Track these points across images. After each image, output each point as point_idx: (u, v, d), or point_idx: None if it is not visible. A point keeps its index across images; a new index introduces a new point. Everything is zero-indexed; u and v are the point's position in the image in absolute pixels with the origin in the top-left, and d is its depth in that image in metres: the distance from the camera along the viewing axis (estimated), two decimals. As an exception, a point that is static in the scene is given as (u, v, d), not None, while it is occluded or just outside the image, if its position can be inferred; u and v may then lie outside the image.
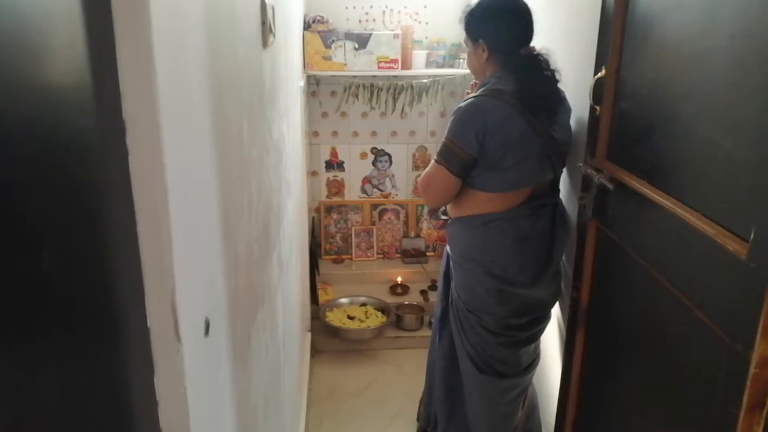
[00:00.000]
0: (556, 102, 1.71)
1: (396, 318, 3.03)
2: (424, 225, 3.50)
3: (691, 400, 1.09)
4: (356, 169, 3.42)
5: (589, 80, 1.52)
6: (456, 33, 2.74)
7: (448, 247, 1.92)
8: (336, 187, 3.45)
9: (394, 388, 2.70)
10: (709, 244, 0.99)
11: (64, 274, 0.45)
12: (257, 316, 1.17)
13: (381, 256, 3.49)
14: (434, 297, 3.13)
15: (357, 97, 3.06)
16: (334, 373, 2.81)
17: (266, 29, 1.30)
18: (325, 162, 3.40)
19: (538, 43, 1.74)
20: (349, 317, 3.02)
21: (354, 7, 3.10)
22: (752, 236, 0.88)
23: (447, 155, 1.68)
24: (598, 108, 1.45)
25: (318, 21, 2.92)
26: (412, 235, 3.51)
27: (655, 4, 1.24)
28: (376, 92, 3.04)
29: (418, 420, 2.30)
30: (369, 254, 3.48)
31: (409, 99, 3.08)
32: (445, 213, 1.91)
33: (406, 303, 3.13)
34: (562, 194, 1.84)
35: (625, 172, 1.33)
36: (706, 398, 1.02)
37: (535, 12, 1.70)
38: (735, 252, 0.93)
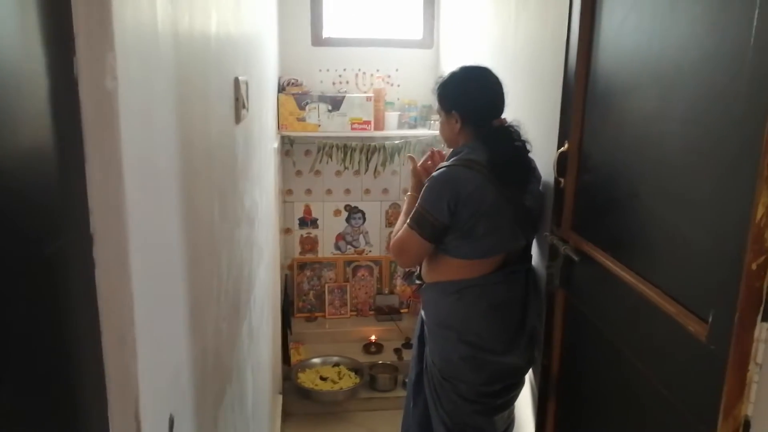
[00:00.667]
0: (527, 171, 1.76)
1: (370, 378, 2.99)
2: (398, 282, 3.50)
3: (661, 477, 1.09)
4: (330, 226, 3.43)
5: (553, 150, 1.57)
6: (427, 94, 2.81)
7: (422, 312, 1.92)
8: (309, 244, 3.45)
9: (368, 452, 2.63)
10: (670, 322, 1.02)
11: (23, 387, 0.45)
12: (225, 395, 1.15)
13: (355, 313, 3.46)
14: (408, 355, 3.10)
15: (331, 157, 3.10)
16: (306, 438, 2.73)
17: (239, 105, 1.33)
18: (299, 219, 3.40)
19: (506, 112, 1.80)
20: (322, 378, 2.97)
21: (327, 70, 3.18)
22: (711, 319, 0.91)
23: (419, 221, 1.70)
24: (562, 180, 1.50)
25: (292, 84, 2.98)
26: (386, 292, 3.50)
27: (614, 84, 1.30)
28: (349, 153, 3.09)
29: (391, 488, 2.24)
30: (342, 311, 3.45)
31: (381, 159, 3.13)
32: (419, 278, 1.92)
33: (380, 362, 3.10)
34: (534, 261, 1.87)
35: (590, 243, 1.37)
36: (674, 477, 1.02)
37: (503, 83, 1.77)
38: (695, 333, 0.95)
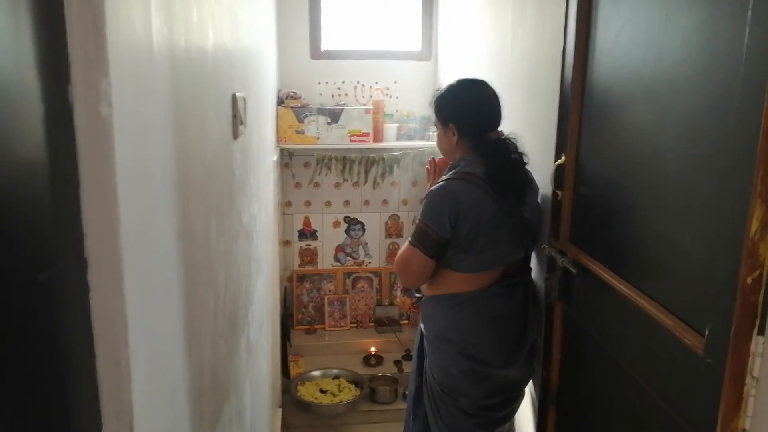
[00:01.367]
0: (525, 183, 1.76)
1: (370, 391, 2.98)
2: (398, 293, 3.49)
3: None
4: (329, 238, 3.43)
5: (550, 162, 1.58)
6: (425, 106, 2.83)
7: (422, 325, 1.92)
8: (309, 256, 3.45)
9: (369, 465, 2.62)
10: (668, 336, 1.02)
11: (18, 413, 0.45)
12: (223, 412, 1.15)
13: (354, 325, 3.46)
14: (408, 367, 3.09)
15: (330, 169, 3.11)
16: (306, 451, 2.72)
17: (237, 121, 1.34)
18: (298, 231, 3.40)
19: (503, 125, 1.81)
20: (322, 391, 2.96)
21: (326, 83, 3.20)
22: (707, 332, 0.91)
23: (421, 237, 1.70)
24: (559, 193, 1.51)
25: (291, 96, 2.99)
26: (386, 303, 3.49)
27: (611, 98, 1.31)
28: (348, 164, 3.10)
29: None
30: (342, 323, 3.44)
31: (381, 170, 3.14)
32: (418, 291, 1.92)
33: (380, 375, 3.09)
34: (533, 273, 1.87)
35: (588, 256, 1.37)
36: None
37: (499, 95, 1.78)
38: (692, 346, 0.95)
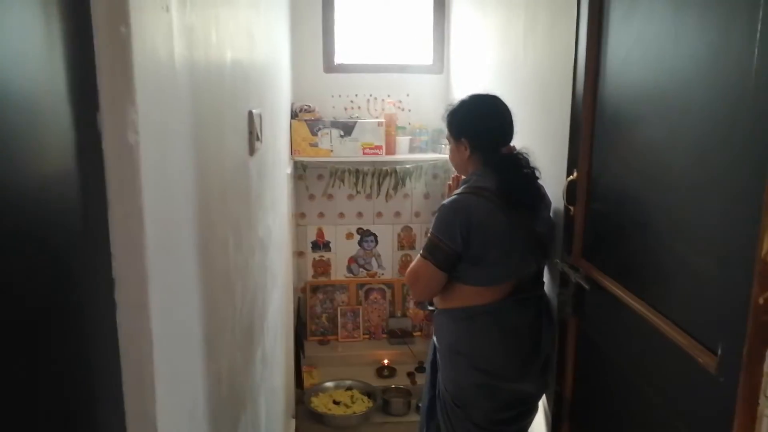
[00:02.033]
0: (537, 198, 1.77)
1: (383, 402, 2.98)
2: (411, 304, 3.50)
3: None
4: (342, 250, 3.45)
5: (562, 177, 1.59)
6: (437, 119, 2.84)
7: (434, 338, 1.93)
8: (322, 267, 3.47)
9: (381, 478, 2.62)
10: (680, 353, 1.02)
11: (48, 427, 0.47)
12: (239, 423, 1.16)
13: (367, 336, 3.47)
14: (421, 379, 3.09)
15: (343, 182, 3.14)
16: (319, 463, 2.73)
17: (253, 138, 1.37)
18: (312, 243, 3.43)
19: (515, 140, 1.82)
20: (335, 402, 2.97)
21: (339, 96, 3.23)
22: (720, 351, 0.92)
23: (432, 250, 1.72)
24: (572, 208, 1.51)
25: (305, 110, 3.03)
26: (399, 315, 3.50)
27: (622, 115, 1.31)
28: (361, 177, 3.12)
29: None
30: (355, 335, 3.45)
31: (393, 183, 3.16)
32: (431, 303, 1.93)
33: (393, 386, 3.09)
34: (546, 287, 1.87)
35: (600, 272, 1.37)
36: None
37: (512, 111, 1.80)
38: (705, 364, 0.95)
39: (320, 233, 3.43)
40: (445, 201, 1.74)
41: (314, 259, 3.44)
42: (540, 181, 1.80)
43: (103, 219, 0.54)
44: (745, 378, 0.85)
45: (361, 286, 3.48)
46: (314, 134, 2.98)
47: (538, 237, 1.73)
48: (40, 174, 0.47)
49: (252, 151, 1.36)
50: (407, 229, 3.46)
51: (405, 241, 3.47)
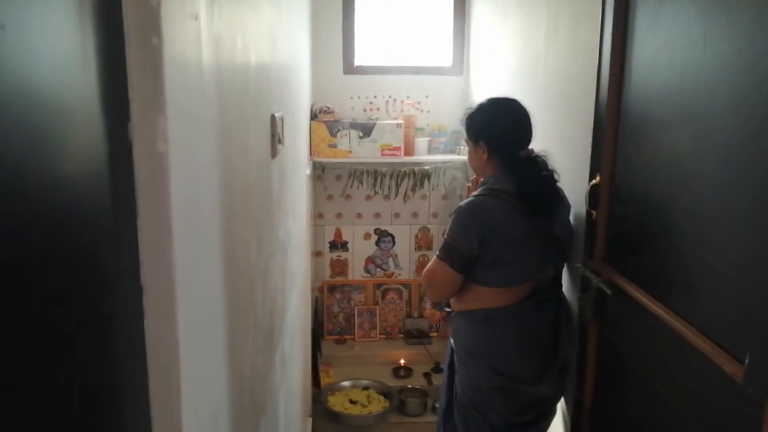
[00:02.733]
0: (555, 200, 1.76)
1: (399, 403, 2.98)
2: (427, 305, 3.50)
3: None
4: (360, 250, 3.46)
5: (584, 181, 1.57)
6: (456, 120, 2.84)
7: (452, 341, 1.93)
8: (339, 267, 3.48)
9: (397, 479, 2.62)
10: (705, 362, 1.01)
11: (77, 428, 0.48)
12: (260, 425, 1.17)
13: (384, 336, 3.47)
14: (437, 380, 3.09)
15: (361, 182, 3.14)
16: (335, 462, 2.74)
17: (275, 141, 1.37)
18: (330, 242, 3.44)
19: (534, 143, 1.81)
20: (351, 402, 2.98)
21: (359, 98, 3.24)
22: (747, 361, 0.90)
23: (449, 252, 1.71)
24: (594, 212, 1.50)
25: (324, 111, 3.04)
26: (415, 315, 3.50)
27: (647, 120, 1.30)
28: (379, 178, 3.13)
29: None
30: (372, 334, 3.46)
31: (411, 184, 3.16)
32: (448, 305, 1.93)
33: (409, 387, 3.09)
34: (565, 289, 1.86)
35: (623, 277, 1.36)
36: None
37: (531, 114, 1.78)
38: (731, 374, 0.94)
39: (338, 233, 3.44)
40: (462, 203, 1.73)
41: (332, 258, 3.46)
42: (559, 184, 1.78)
43: (132, 226, 0.55)
44: (772, 390, 0.83)
45: (378, 286, 3.49)
46: (333, 135, 2.99)
47: (557, 239, 1.72)
48: (71, 181, 0.48)
49: (274, 153, 1.37)
50: (425, 229, 3.46)
51: (422, 242, 3.47)
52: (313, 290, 3.26)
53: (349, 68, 3.22)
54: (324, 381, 3.09)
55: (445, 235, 1.74)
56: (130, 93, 0.55)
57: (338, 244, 3.45)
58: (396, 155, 3.04)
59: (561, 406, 1.93)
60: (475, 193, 1.77)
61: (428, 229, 3.46)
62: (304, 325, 2.65)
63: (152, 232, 0.56)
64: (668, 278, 1.19)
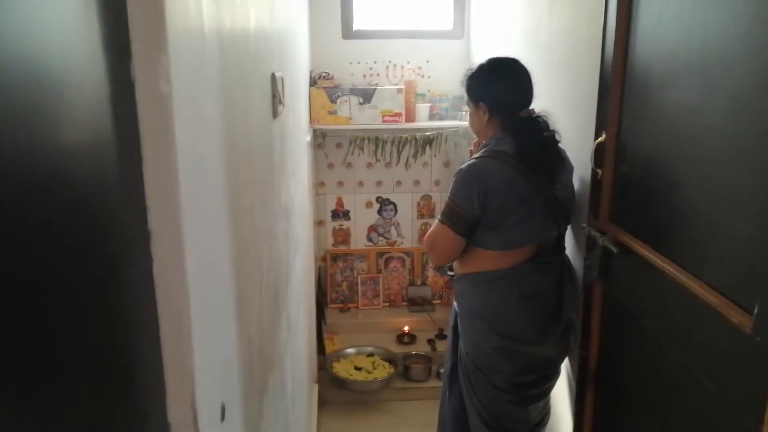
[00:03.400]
0: (557, 161, 1.74)
1: (403, 369, 3.01)
2: (430, 273, 3.51)
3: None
4: (362, 218, 3.45)
5: (589, 141, 1.55)
6: (457, 85, 2.80)
7: (455, 304, 1.94)
8: (342, 236, 3.48)
9: (402, 441, 2.66)
10: (713, 314, 1.01)
11: (89, 376, 0.48)
12: (268, 384, 1.18)
13: (387, 304, 3.49)
14: (441, 346, 3.12)
15: (362, 150, 3.12)
16: (341, 426, 2.78)
17: (276, 101, 1.35)
18: (331, 211, 3.43)
19: (538, 104, 1.79)
20: (356, 368, 3.00)
21: (358, 63, 3.19)
22: (756, 311, 0.90)
23: (450, 215, 1.71)
24: (599, 171, 1.49)
25: (324, 77, 3.00)
26: (419, 283, 3.51)
27: (654, 76, 1.28)
28: (380, 145, 3.10)
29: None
30: (375, 302, 3.48)
31: (413, 150, 3.14)
32: (451, 269, 1.93)
33: (414, 353, 3.12)
34: (569, 251, 1.86)
35: (629, 235, 1.35)
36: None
37: (534, 74, 1.76)
38: (740, 325, 0.94)
39: (340, 202, 3.43)
40: (463, 165, 1.72)
41: (334, 228, 3.45)
42: (562, 145, 1.77)
43: (139, 170, 0.54)
44: (782, 337, 0.83)
45: (380, 254, 3.49)
46: (333, 102, 2.95)
47: (559, 201, 1.71)
48: (75, 125, 0.47)
49: (275, 114, 1.35)
50: (427, 197, 3.45)
51: (425, 210, 3.46)
52: (316, 259, 3.26)
53: (348, 33, 3.17)
54: (329, 348, 3.12)
55: (447, 199, 1.73)
56: (132, 32, 0.53)
57: (340, 213, 3.45)
58: (397, 122, 3.01)
59: (566, 367, 1.95)
60: (476, 155, 1.76)
61: (430, 197, 3.45)
62: (309, 293, 2.65)
63: (158, 175, 0.54)
64: (675, 234, 1.18)
